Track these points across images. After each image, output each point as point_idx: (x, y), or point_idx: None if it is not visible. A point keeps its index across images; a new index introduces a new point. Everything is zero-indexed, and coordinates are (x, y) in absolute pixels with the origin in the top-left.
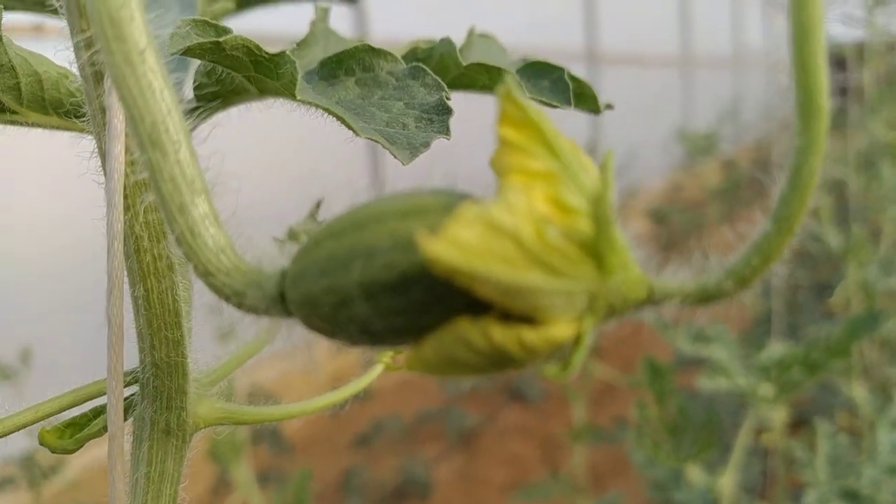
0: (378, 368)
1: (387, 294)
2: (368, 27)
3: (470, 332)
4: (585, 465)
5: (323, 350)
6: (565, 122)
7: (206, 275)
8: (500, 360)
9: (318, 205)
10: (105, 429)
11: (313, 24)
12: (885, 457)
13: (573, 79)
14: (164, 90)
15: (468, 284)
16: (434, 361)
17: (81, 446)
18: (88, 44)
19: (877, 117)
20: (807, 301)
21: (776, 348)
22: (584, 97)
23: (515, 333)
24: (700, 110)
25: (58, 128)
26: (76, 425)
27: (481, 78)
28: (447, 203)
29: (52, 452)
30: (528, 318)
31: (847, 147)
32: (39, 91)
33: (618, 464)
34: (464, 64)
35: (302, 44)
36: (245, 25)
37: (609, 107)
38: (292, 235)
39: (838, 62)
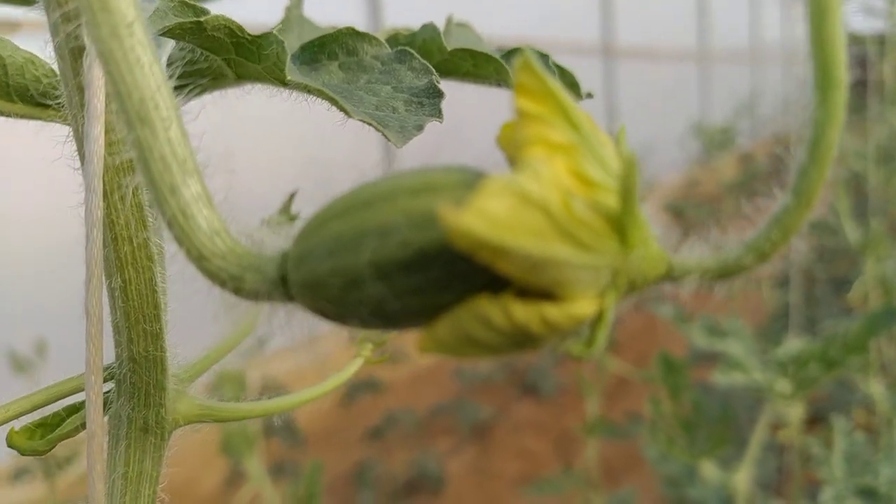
0: (358, 362)
1: (402, 273)
2: (382, 20)
3: (490, 309)
4: (598, 459)
5: (335, 343)
6: None
7: (199, 259)
8: (519, 339)
9: (292, 197)
10: (78, 428)
11: (288, 9)
12: None
13: (556, 66)
14: (153, 64)
15: (492, 259)
16: (450, 341)
17: (53, 447)
18: (67, 18)
19: None
20: (824, 296)
21: (793, 344)
22: (566, 84)
23: (538, 310)
24: (717, 104)
25: (22, 116)
26: (47, 425)
27: (465, 64)
28: (460, 179)
29: (21, 454)
30: (547, 295)
31: (867, 140)
32: (3, 76)
33: (631, 459)
34: (448, 49)
35: (279, 31)
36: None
37: (590, 95)
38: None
39: (858, 54)
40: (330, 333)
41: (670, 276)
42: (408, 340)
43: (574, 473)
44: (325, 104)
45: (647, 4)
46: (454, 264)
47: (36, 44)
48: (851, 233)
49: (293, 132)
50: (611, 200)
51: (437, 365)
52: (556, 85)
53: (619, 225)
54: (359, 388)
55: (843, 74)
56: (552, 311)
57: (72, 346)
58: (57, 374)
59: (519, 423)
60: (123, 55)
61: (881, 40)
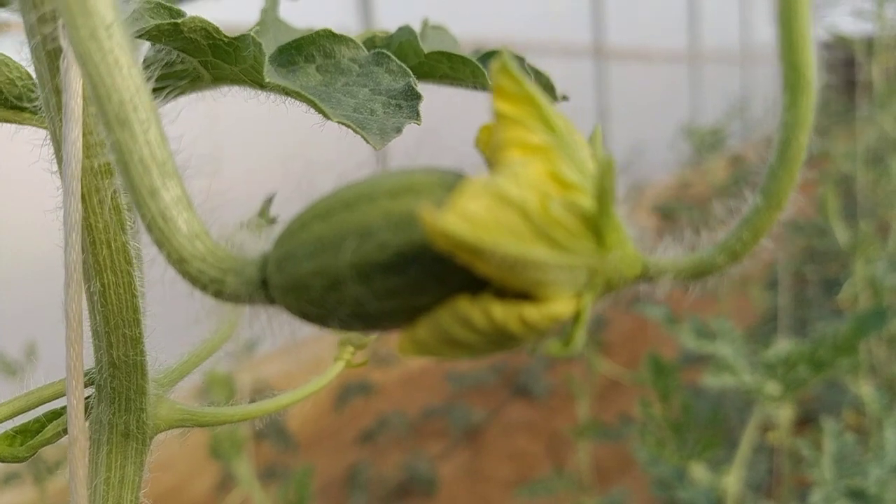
0: (339, 365)
1: (382, 274)
2: (373, 21)
3: (470, 310)
4: (590, 461)
5: (325, 346)
6: (572, 118)
7: (179, 262)
8: (499, 338)
9: (270, 201)
10: (60, 434)
11: (263, 12)
12: (893, 456)
13: (531, 69)
14: (131, 67)
15: (471, 260)
16: (429, 342)
17: (34, 454)
18: (44, 20)
19: (885, 112)
20: (814, 297)
21: (783, 345)
22: (542, 86)
23: (516, 311)
24: (708, 106)
25: None
26: (28, 431)
27: (442, 66)
28: (440, 181)
29: (2, 461)
30: (525, 295)
31: (855, 142)
32: None
33: (623, 461)
34: (424, 52)
35: (255, 33)
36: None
37: (564, 98)
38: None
39: (847, 56)
40: (320, 336)
41: (646, 276)
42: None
43: (566, 475)
44: (304, 106)
45: (638, 6)
46: (433, 265)
47: (10, 44)
48: (841, 234)
49: (274, 134)
50: (587, 202)
51: (429, 368)
52: (533, 88)
53: (596, 226)
54: (350, 391)
55: (813, 77)
56: (530, 311)
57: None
58: (47, 378)
59: (511, 426)
60: (102, 57)
61: (869, 43)
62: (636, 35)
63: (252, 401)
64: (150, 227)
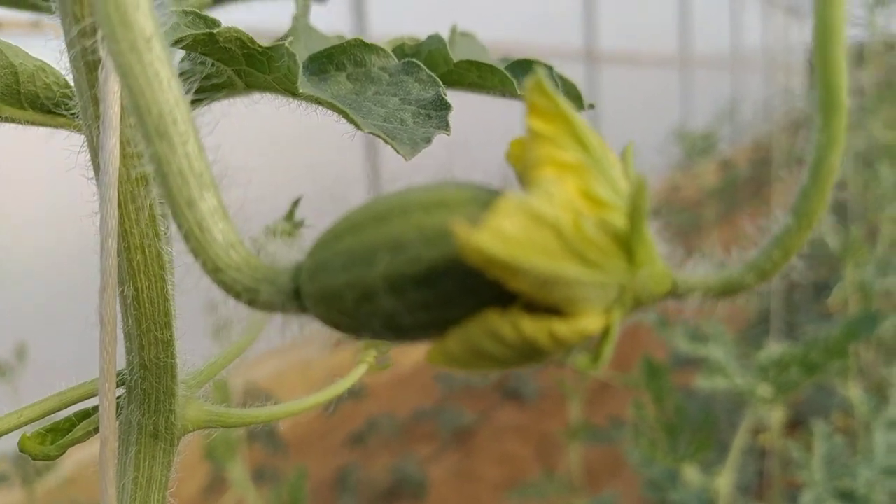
0: (362, 368)
1: (414, 287)
2: (367, 26)
3: (500, 324)
4: (581, 464)
5: (317, 347)
6: None
7: (215, 271)
8: (527, 353)
9: (296, 204)
10: (89, 434)
11: (295, 19)
12: (881, 457)
13: (560, 78)
14: (171, 80)
15: (504, 276)
16: (459, 354)
17: (64, 452)
18: (83, 33)
19: (876, 117)
20: (805, 301)
21: (774, 348)
22: (568, 95)
23: (546, 326)
24: (699, 110)
25: (32, 123)
26: (59, 430)
27: (470, 75)
28: (473, 196)
29: (34, 459)
30: (555, 310)
31: (846, 147)
32: (15, 84)
33: (613, 463)
34: (454, 61)
35: (284, 39)
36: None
37: (591, 106)
38: (269, 235)
39: None
40: (312, 338)
41: (675, 293)
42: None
43: (556, 478)
44: (327, 114)
45: (630, 10)
46: (465, 280)
47: (38, 44)
48: (831, 239)
49: (296, 142)
50: (619, 220)
51: (420, 370)
52: (567, 106)
53: (627, 244)
54: (340, 394)
55: (846, 99)
56: (560, 327)
57: (52, 350)
58: (37, 379)
59: (501, 428)
60: (142, 70)
61: (860, 49)
62: (628, 40)
63: (266, 403)
64: (188, 237)
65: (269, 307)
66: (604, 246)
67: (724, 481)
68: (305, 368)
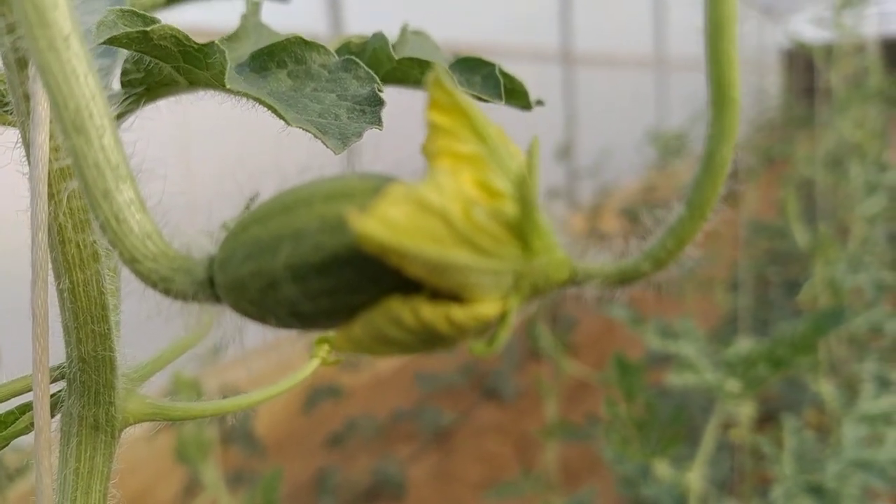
0: (314, 363)
1: (315, 275)
2: (343, 28)
3: (400, 310)
4: (558, 462)
5: (293, 350)
6: (540, 122)
7: (132, 261)
8: (429, 338)
9: (253, 199)
10: (30, 427)
11: (244, 17)
12: (850, 451)
13: (504, 74)
14: (88, 75)
15: (398, 263)
16: (364, 340)
17: (7, 444)
18: (11, 29)
19: (844, 117)
20: (776, 298)
21: (743, 345)
22: (514, 93)
23: (444, 311)
24: (674, 111)
25: None
26: (1, 423)
27: (414, 72)
28: (375, 186)
29: None
30: (456, 297)
31: (815, 146)
32: None
33: (590, 461)
34: (396, 58)
35: (232, 37)
36: (175, 20)
37: (539, 103)
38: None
39: (807, 63)
40: (288, 341)
41: (574, 280)
42: None
43: (534, 476)
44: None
45: (606, 12)
46: (365, 267)
47: None
48: (801, 236)
49: (256, 137)
50: (513, 209)
51: (399, 371)
52: (465, 99)
53: (521, 232)
54: (319, 395)
55: (738, 93)
56: (458, 312)
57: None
58: (11, 375)
59: (480, 428)
60: (60, 67)
61: (829, 50)
62: (604, 41)
63: (224, 398)
64: (104, 228)
65: (183, 296)
66: (496, 234)
67: (696, 476)
68: (283, 370)
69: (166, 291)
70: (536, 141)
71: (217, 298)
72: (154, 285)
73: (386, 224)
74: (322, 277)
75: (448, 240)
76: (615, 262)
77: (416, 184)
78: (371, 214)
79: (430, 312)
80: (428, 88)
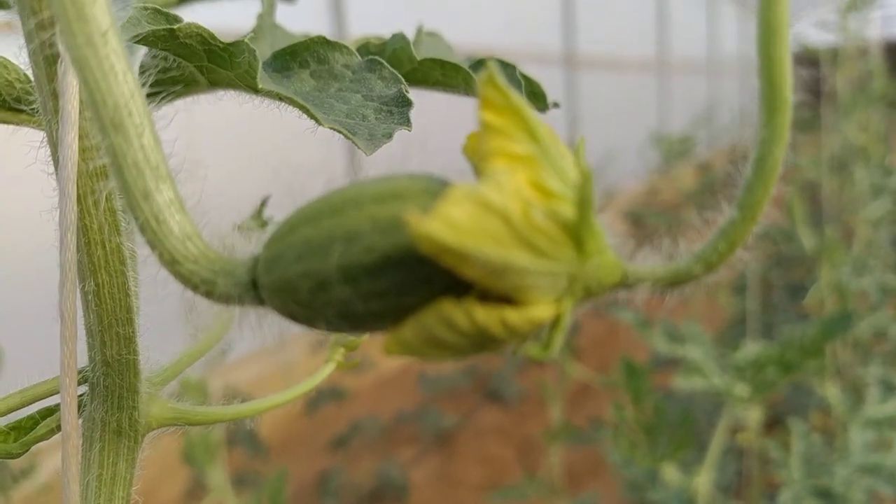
0: (330, 366)
1: (367, 277)
2: (347, 30)
3: (453, 312)
4: (562, 465)
5: (298, 351)
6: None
7: (172, 263)
8: (481, 341)
9: (264, 202)
10: (52, 431)
11: (260, 17)
12: (858, 456)
13: (524, 76)
14: (126, 73)
15: (455, 264)
16: (414, 343)
17: (27, 450)
18: (42, 26)
19: (849, 120)
20: (781, 301)
21: (751, 348)
22: (534, 95)
23: (498, 314)
24: (676, 114)
25: None
26: (22, 428)
27: (434, 73)
28: (425, 187)
29: None
30: (507, 299)
31: (820, 149)
32: None
33: (594, 464)
34: (418, 59)
35: (250, 38)
36: (188, 19)
37: (556, 105)
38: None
39: (812, 65)
40: (293, 341)
41: (625, 283)
42: (372, 348)
43: (538, 479)
44: (296, 111)
45: (608, 15)
46: (418, 269)
47: (9, 46)
48: (807, 240)
49: (263, 138)
50: (568, 211)
51: (402, 372)
52: (518, 99)
53: (576, 234)
54: (322, 397)
55: (790, 95)
56: (512, 315)
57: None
58: (13, 379)
59: (483, 430)
60: (98, 63)
61: (834, 53)
62: (606, 44)
63: (242, 401)
64: (144, 229)
65: (226, 299)
66: (553, 235)
67: (703, 480)
68: (287, 372)
69: (208, 294)
70: (583, 141)
71: (261, 301)
72: (195, 287)
73: (449, 224)
74: (374, 279)
75: (508, 241)
76: (666, 264)
77: (476, 184)
78: (434, 215)
79: (484, 315)
80: (481, 87)
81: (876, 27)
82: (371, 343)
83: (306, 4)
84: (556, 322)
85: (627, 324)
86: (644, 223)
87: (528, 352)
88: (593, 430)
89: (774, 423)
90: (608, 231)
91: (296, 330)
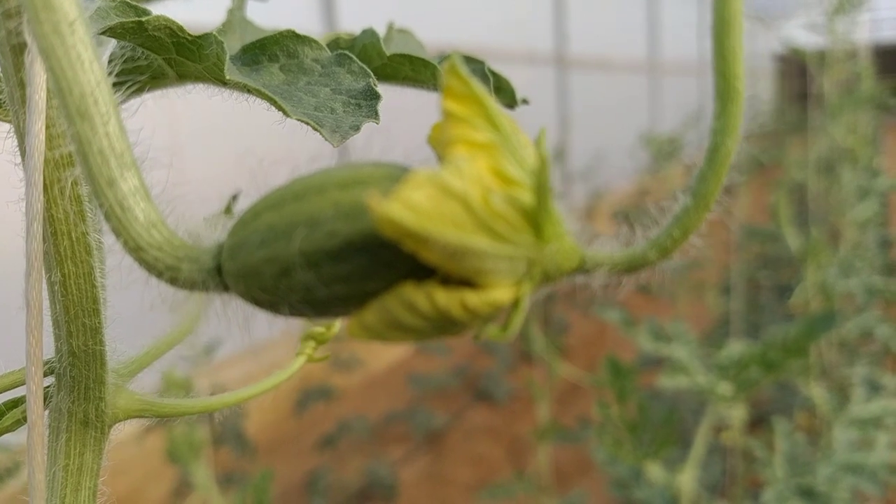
0: (301, 360)
1: (330, 261)
2: (336, 25)
3: (415, 295)
4: (550, 464)
5: (284, 350)
6: (533, 124)
7: (136, 250)
8: (442, 324)
9: (234, 198)
10: (19, 422)
11: (230, 12)
12: (841, 455)
13: (492, 72)
14: (93, 62)
15: (416, 247)
16: (376, 326)
17: None
18: (8, 15)
19: (837, 122)
20: (768, 302)
21: (735, 347)
22: (501, 90)
23: (459, 297)
24: (667, 115)
25: None
26: None
27: (404, 69)
28: (388, 173)
29: None
30: (468, 283)
31: (807, 151)
32: None
33: (582, 463)
34: (387, 54)
35: (219, 31)
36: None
37: (525, 101)
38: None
39: (800, 68)
40: (279, 341)
41: (583, 268)
42: (361, 347)
43: (526, 478)
44: (266, 104)
45: (599, 16)
46: (380, 253)
47: None
48: (793, 241)
49: (234, 129)
50: (527, 197)
51: (391, 372)
52: (480, 88)
53: (535, 219)
54: (311, 396)
55: (742, 87)
56: (472, 298)
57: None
58: (5, 367)
59: (472, 430)
60: (65, 52)
61: (822, 55)
62: (597, 44)
63: (212, 394)
64: (108, 216)
65: (190, 285)
66: (512, 220)
67: (687, 478)
68: (275, 371)
69: (172, 280)
70: (544, 131)
71: (225, 287)
72: (159, 274)
73: (409, 207)
74: (336, 263)
75: (468, 225)
76: (623, 250)
77: (436, 169)
78: (394, 198)
79: (445, 298)
80: (444, 77)
81: (864, 30)
82: (360, 342)
83: (297, 4)
84: (515, 305)
85: (613, 322)
86: (633, 223)
87: (487, 334)
88: (581, 429)
89: (759, 422)
90: (567, 217)
91: (282, 327)
